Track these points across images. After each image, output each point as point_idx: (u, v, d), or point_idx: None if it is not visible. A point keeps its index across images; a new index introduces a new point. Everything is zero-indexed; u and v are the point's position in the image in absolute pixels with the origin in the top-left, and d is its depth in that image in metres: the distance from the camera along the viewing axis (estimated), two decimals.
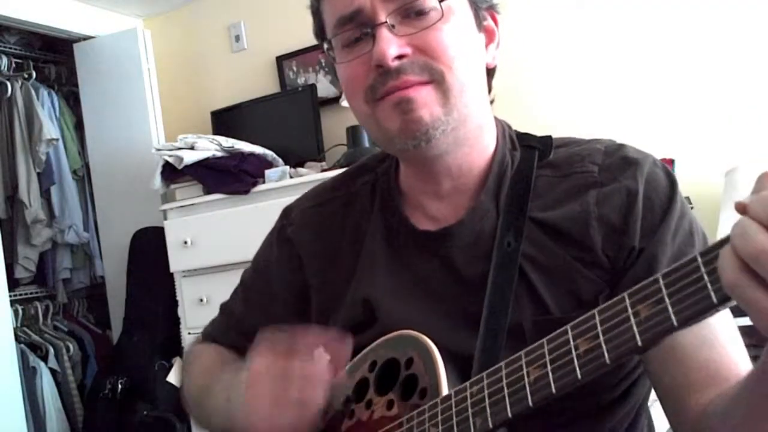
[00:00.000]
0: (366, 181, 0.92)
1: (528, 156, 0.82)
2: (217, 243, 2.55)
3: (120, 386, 2.81)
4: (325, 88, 3.00)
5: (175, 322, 2.70)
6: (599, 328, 0.54)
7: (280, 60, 3.15)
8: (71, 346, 3.30)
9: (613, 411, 0.78)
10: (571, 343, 0.56)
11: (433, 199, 0.83)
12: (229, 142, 2.69)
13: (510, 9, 2.78)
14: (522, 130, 0.88)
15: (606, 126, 2.54)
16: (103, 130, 3.27)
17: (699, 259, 0.48)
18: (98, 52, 3.28)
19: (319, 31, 0.82)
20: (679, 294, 0.49)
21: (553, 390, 0.57)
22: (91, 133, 3.33)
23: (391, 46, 0.72)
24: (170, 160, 2.61)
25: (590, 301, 0.71)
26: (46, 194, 3.36)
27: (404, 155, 0.81)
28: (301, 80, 3.10)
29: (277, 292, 0.94)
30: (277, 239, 0.96)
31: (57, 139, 3.32)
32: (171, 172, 2.67)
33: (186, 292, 2.65)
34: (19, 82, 3.34)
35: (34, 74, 3.41)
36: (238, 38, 3.30)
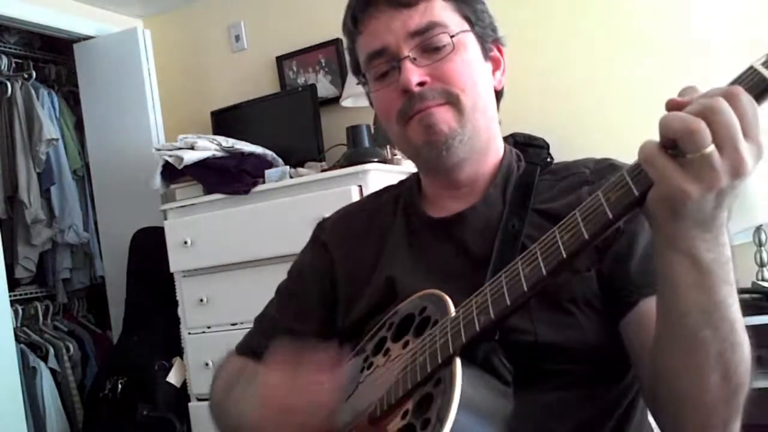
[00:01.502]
0: (390, 195, 1.07)
1: (531, 166, 0.97)
2: (217, 243, 2.54)
3: (120, 386, 2.81)
4: (325, 88, 3.00)
5: (175, 322, 2.70)
6: (579, 218, 0.66)
7: (280, 60, 3.15)
8: (71, 346, 3.30)
9: (608, 386, 0.86)
10: (558, 237, 0.68)
11: (451, 199, 0.97)
12: (229, 142, 2.69)
13: (514, 9, 2.78)
14: (524, 129, 1.01)
15: (608, 126, 2.55)
16: (103, 130, 3.26)
17: None
18: (98, 52, 3.28)
19: (355, 66, 0.98)
20: (640, 175, 0.62)
21: (544, 272, 0.67)
22: (91, 133, 3.33)
23: (414, 75, 0.88)
24: (170, 160, 2.61)
25: (582, 270, 0.85)
26: (46, 194, 3.36)
27: (429, 165, 0.95)
28: (301, 80, 3.10)
29: (311, 291, 1.05)
30: (312, 246, 1.09)
31: (57, 139, 3.32)
32: (171, 172, 2.66)
33: (186, 292, 2.65)
34: (19, 82, 3.34)
35: (34, 74, 3.41)
36: (238, 38, 3.30)
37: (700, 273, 0.63)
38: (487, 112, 0.93)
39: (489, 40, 0.96)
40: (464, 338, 0.72)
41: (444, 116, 0.89)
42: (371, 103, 1.01)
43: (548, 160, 0.98)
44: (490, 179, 0.96)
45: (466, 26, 0.92)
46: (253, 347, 1.06)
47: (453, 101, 0.89)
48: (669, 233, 0.63)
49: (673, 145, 0.59)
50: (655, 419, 0.79)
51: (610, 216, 0.64)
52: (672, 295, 0.65)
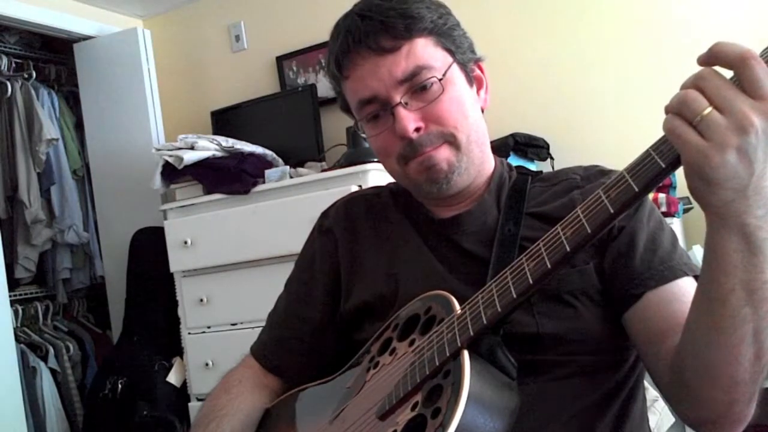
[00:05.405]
0: (387, 188, 1.11)
1: (522, 176, 1.01)
2: (217, 243, 2.54)
3: (120, 386, 2.81)
4: (325, 88, 2.99)
5: (175, 322, 2.70)
6: (581, 215, 0.69)
7: (280, 60, 3.15)
8: (71, 346, 3.30)
9: (608, 375, 0.88)
10: (561, 234, 0.71)
11: (444, 208, 1.00)
12: (229, 142, 2.69)
13: (516, 10, 2.79)
14: (529, 129, 0.97)
15: (608, 127, 2.55)
16: (103, 130, 3.26)
17: (652, 152, 0.65)
18: (98, 52, 3.28)
19: (345, 105, 1.00)
20: (638, 173, 0.65)
21: (549, 265, 0.70)
22: (91, 133, 3.33)
23: (409, 122, 0.90)
24: (170, 160, 2.61)
25: (581, 264, 0.88)
26: (46, 194, 3.36)
27: (430, 196, 0.98)
28: (301, 80, 3.10)
29: (317, 276, 1.07)
30: (318, 234, 1.11)
31: (57, 139, 3.31)
32: (171, 172, 2.67)
33: (186, 292, 2.65)
34: (19, 82, 3.34)
35: (34, 74, 3.41)
36: (238, 38, 3.30)
37: (750, 252, 0.63)
38: (479, 137, 0.96)
39: (470, 63, 0.97)
40: (472, 331, 0.74)
41: (443, 155, 0.92)
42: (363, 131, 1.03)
43: (547, 159, 1.01)
44: (484, 188, 0.99)
45: (449, 58, 0.93)
46: (264, 343, 1.11)
47: (449, 140, 0.92)
48: (714, 207, 0.63)
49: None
50: (672, 398, 0.79)
51: (612, 211, 0.66)
52: (719, 272, 0.65)
